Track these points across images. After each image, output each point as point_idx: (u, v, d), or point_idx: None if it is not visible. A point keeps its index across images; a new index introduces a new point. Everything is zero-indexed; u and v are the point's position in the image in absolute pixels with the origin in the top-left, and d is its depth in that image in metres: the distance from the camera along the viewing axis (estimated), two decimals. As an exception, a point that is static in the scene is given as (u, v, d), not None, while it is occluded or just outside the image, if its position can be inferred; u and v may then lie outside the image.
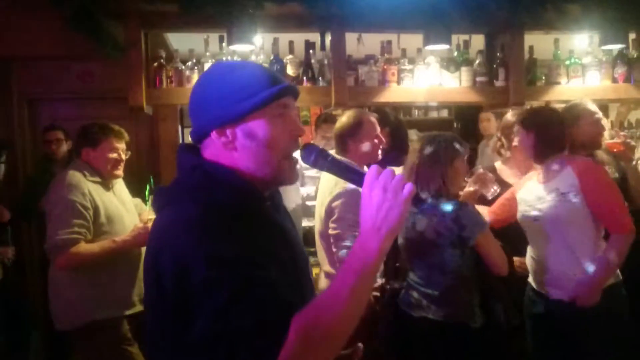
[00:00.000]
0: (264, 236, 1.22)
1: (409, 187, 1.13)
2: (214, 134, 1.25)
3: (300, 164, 3.62)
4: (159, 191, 1.33)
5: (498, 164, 3.14)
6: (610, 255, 2.46)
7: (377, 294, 2.77)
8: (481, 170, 2.79)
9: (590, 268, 2.47)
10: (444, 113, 6.78)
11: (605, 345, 2.48)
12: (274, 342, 1.06)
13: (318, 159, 1.26)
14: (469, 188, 2.75)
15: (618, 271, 2.58)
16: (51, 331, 2.97)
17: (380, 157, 2.86)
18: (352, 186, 2.61)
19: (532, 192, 2.68)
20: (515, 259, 2.82)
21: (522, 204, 2.71)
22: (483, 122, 5.18)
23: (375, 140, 2.81)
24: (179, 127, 4.98)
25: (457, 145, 2.47)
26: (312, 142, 4.19)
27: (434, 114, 6.89)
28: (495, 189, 2.75)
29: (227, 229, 1.16)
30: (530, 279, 2.74)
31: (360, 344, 1.50)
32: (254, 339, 1.07)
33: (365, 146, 2.77)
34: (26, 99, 4.68)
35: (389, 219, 1.11)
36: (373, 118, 2.86)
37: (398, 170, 2.78)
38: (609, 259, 2.45)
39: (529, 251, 2.73)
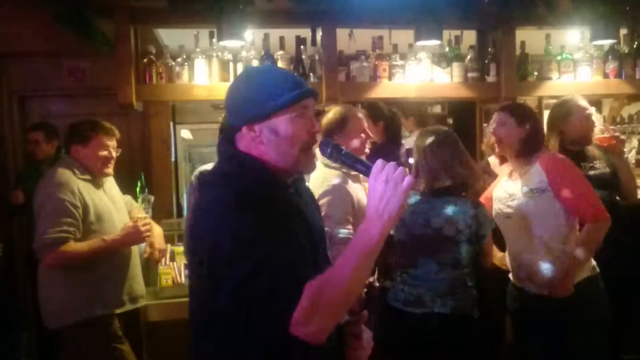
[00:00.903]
0: (284, 218, 1.41)
1: (408, 179, 1.29)
2: (244, 129, 1.48)
3: None
4: (203, 175, 1.60)
5: (492, 159, 3.15)
6: (579, 249, 2.47)
7: (367, 290, 2.77)
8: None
9: (557, 263, 2.49)
10: (437, 109, 6.76)
11: (583, 336, 2.50)
12: (288, 307, 1.27)
13: (333, 152, 1.48)
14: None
15: (594, 264, 2.60)
16: (41, 330, 2.95)
17: (367, 152, 2.86)
18: (336, 182, 2.64)
19: (504, 189, 2.71)
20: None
21: (496, 201, 2.74)
22: None
23: (362, 136, 2.80)
24: (171, 124, 4.94)
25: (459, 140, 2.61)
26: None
27: (427, 110, 6.86)
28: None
29: (253, 211, 1.36)
30: (510, 275, 2.76)
31: (365, 311, 1.67)
32: (270, 306, 1.29)
33: (353, 142, 2.76)
34: (16, 96, 4.64)
35: (390, 207, 1.28)
36: (360, 114, 2.85)
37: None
38: (577, 253, 2.46)
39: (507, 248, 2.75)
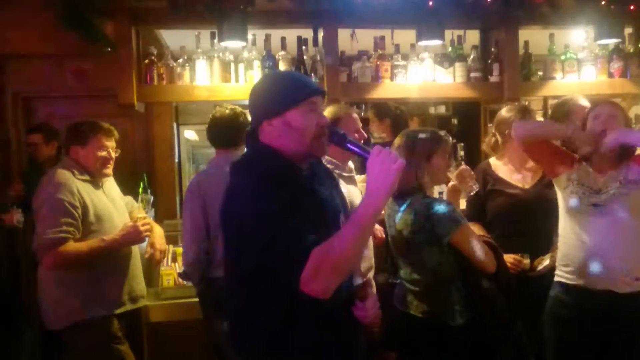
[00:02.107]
0: (296, 196, 1.66)
1: (399, 162, 1.55)
2: (265, 124, 1.75)
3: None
4: (234, 163, 1.83)
5: (493, 160, 3.11)
6: None
7: None
8: (463, 167, 2.75)
9: None
10: (442, 109, 6.73)
11: None
12: (297, 270, 1.54)
13: (341, 140, 1.74)
14: (451, 183, 2.72)
15: None
16: (43, 330, 2.95)
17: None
18: None
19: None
20: (508, 256, 2.78)
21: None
22: None
23: (356, 135, 2.79)
24: (174, 125, 4.95)
25: (436, 141, 2.44)
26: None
27: (431, 110, 6.84)
28: (473, 187, 2.70)
29: (270, 192, 1.63)
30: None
31: (371, 279, 2.01)
32: (284, 269, 1.58)
33: None
34: (20, 97, 4.65)
35: (384, 185, 1.55)
36: (354, 114, 2.85)
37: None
38: None
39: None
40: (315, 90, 1.77)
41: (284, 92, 1.74)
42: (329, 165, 2.71)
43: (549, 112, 4.39)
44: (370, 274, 2.83)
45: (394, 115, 4.34)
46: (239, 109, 2.87)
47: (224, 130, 2.85)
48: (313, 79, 3.49)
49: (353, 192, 2.78)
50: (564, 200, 2.55)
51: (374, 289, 2.81)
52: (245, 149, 1.88)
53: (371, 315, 1.86)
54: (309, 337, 1.71)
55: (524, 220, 2.80)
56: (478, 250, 2.34)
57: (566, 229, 2.55)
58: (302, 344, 1.71)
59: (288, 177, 1.72)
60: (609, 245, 2.39)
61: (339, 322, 1.78)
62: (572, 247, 2.50)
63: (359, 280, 2.00)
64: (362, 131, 2.87)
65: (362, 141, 2.83)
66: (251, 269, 1.68)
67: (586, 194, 2.46)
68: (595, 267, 2.41)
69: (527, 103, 5.29)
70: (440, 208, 2.34)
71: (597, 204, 2.42)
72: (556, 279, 2.59)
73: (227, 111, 2.85)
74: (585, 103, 3.02)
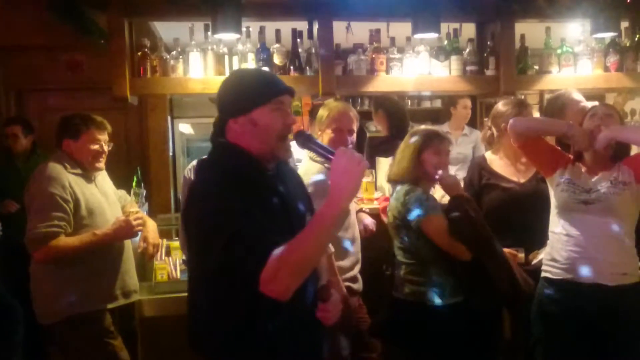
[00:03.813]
0: (260, 195, 1.67)
1: (363, 164, 1.58)
2: (231, 122, 1.74)
3: (294, 155, 3.45)
4: (199, 161, 1.87)
5: (488, 154, 3.10)
6: None
7: (350, 284, 2.77)
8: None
9: None
10: (438, 103, 6.72)
11: None
12: (258, 268, 1.53)
13: (305, 141, 1.76)
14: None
15: None
16: (34, 324, 2.93)
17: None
18: (317, 176, 2.66)
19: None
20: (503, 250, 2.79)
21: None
22: None
23: (348, 137, 2.81)
24: (169, 117, 4.93)
25: (428, 138, 2.64)
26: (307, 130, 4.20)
27: (427, 104, 6.83)
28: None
29: (234, 190, 1.61)
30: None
31: (334, 278, 2.14)
32: (244, 268, 1.56)
33: (327, 137, 2.81)
34: (14, 89, 4.64)
35: (348, 186, 1.57)
36: (352, 113, 2.85)
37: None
38: None
39: None
40: (282, 90, 1.76)
41: (250, 91, 1.73)
42: (317, 159, 2.73)
43: (544, 105, 4.39)
44: (357, 269, 2.84)
45: (387, 106, 4.34)
46: None
47: None
48: (308, 72, 3.48)
49: None
50: (555, 197, 2.56)
51: (360, 284, 2.87)
52: (211, 147, 1.84)
53: (333, 317, 1.85)
54: (269, 337, 1.69)
55: (519, 214, 2.80)
56: (446, 240, 2.53)
57: (555, 225, 2.56)
58: (262, 344, 1.69)
59: (253, 176, 1.71)
60: (596, 242, 2.42)
61: (301, 323, 1.75)
62: (560, 242, 2.52)
63: (323, 279, 1.98)
64: (354, 134, 2.86)
65: (350, 144, 2.84)
66: (212, 267, 1.66)
67: (576, 193, 2.47)
68: (582, 262, 2.43)
69: (523, 97, 5.30)
70: (413, 196, 2.57)
71: (587, 201, 2.44)
72: (543, 274, 2.59)
73: None
74: (578, 97, 3.01)
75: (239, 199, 1.60)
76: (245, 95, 1.72)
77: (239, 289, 1.62)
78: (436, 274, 2.58)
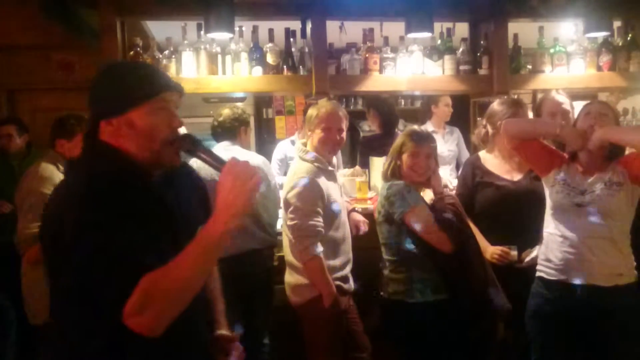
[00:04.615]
0: (137, 207, 1.38)
1: (256, 177, 1.33)
2: (102, 124, 1.46)
3: (286, 154, 3.51)
4: (67, 162, 1.58)
5: (482, 153, 3.10)
6: None
7: (340, 283, 2.77)
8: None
9: None
10: (432, 102, 6.72)
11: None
12: (121, 295, 1.25)
13: (191, 147, 1.47)
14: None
15: None
16: (26, 325, 2.92)
17: (337, 149, 2.91)
18: (307, 176, 2.65)
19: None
20: (496, 248, 2.80)
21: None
22: None
23: (337, 137, 2.79)
24: (162, 118, 4.92)
25: (407, 139, 2.67)
26: (297, 132, 4.19)
27: (418, 104, 6.83)
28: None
29: (98, 196, 1.34)
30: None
31: (239, 330, 1.75)
32: (104, 291, 1.28)
33: (317, 137, 2.77)
34: (5, 89, 4.60)
35: (236, 203, 1.31)
36: (341, 112, 2.83)
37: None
38: None
39: None
40: (164, 86, 1.49)
41: (125, 88, 1.45)
42: (307, 158, 2.72)
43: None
44: (348, 268, 2.84)
45: (378, 105, 4.35)
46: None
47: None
48: (301, 71, 3.47)
49: (332, 187, 2.77)
50: (550, 197, 2.56)
51: (351, 284, 2.85)
52: (82, 149, 1.56)
53: None
54: None
55: (512, 213, 2.80)
56: (430, 232, 2.53)
57: (550, 225, 2.56)
58: None
59: (129, 181, 1.43)
60: (591, 243, 2.41)
61: None
62: (555, 242, 2.51)
63: (222, 330, 1.70)
64: (331, 132, 2.78)
65: (339, 144, 2.84)
66: (68, 290, 1.36)
67: (571, 195, 2.46)
68: (576, 263, 2.42)
69: (516, 96, 5.30)
70: (394, 189, 2.58)
71: (581, 204, 2.43)
72: (537, 274, 2.59)
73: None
74: (561, 99, 3.04)
75: (107, 209, 1.33)
76: (118, 95, 1.44)
77: (101, 321, 1.33)
78: (418, 272, 2.58)
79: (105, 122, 1.45)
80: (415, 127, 2.94)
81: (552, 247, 2.53)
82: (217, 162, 1.44)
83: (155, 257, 1.30)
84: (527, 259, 2.78)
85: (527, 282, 2.69)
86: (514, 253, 2.78)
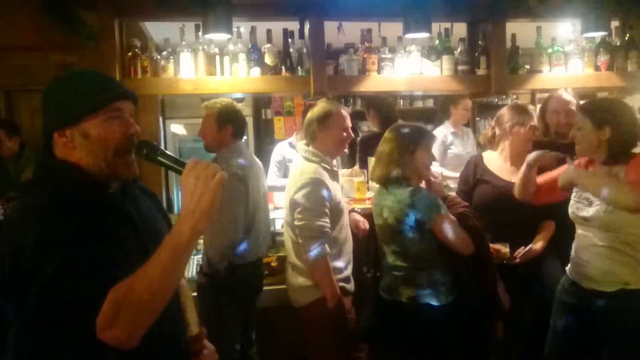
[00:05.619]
0: (99, 221, 1.37)
1: (219, 175, 1.29)
2: (56, 135, 1.44)
3: (285, 156, 3.51)
4: (22, 184, 1.54)
5: (486, 153, 3.14)
6: None
7: (343, 284, 2.77)
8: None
9: None
10: (430, 103, 6.73)
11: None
12: (91, 311, 1.23)
13: (149, 152, 1.44)
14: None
15: None
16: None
17: (346, 151, 2.96)
18: (314, 175, 2.65)
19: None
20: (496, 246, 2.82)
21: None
22: None
23: (344, 134, 2.80)
24: (160, 118, 4.90)
25: (420, 135, 2.60)
26: (295, 133, 4.19)
27: (419, 104, 6.84)
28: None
29: (59, 213, 1.33)
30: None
31: (204, 329, 1.74)
32: (73, 309, 1.26)
33: (332, 137, 2.78)
34: (3, 90, 4.60)
35: (201, 204, 1.27)
36: (344, 111, 2.83)
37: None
38: None
39: None
40: (117, 94, 1.48)
41: (77, 98, 1.43)
42: (313, 159, 2.72)
43: (537, 105, 4.41)
44: (350, 269, 2.84)
45: (378, 105, 4.36)
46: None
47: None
48: (299, 72, 3.47)
49: (336, 187, 2.78)
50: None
51: (352, 284, 2.86)
52: (35, 167, 1.56)
53: None
54: None
55: (507, 212, 2.82)
56: (456, 234, 2.49)
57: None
58: None
59: (88, 197, 1.42)
60: (600, 251, 2.41)
61: None
62: (574, 244, 2.55)
63: (194, 330, 1.72)
64: (350, 131, 2.85)
65: (347, 142, 2.85)
66: (34, 313, 1.33)
67: (579, 208, 2.47)
68: (585, 270, 2.45)
69: (514, 96, 5.32)
70: (423, 197, 2.49)
71: (586, 218, 2.43)
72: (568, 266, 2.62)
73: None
74: (568, 97, 3.14)
75: (69, 226, 1.31)
76: (71, 103, 1.43)
77: (73, 341, 1.32)
78: (439, 273, 2.55)
79: (59, 134, 1.44)
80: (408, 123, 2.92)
81: (574, 247, 2.55)
82: (176, 165, 1.42)
83: (124, 271, 1.28)
84: (519, 256, 2.85)
85: (519, 280, 2.74)
86: (506, 250, 2.83)
